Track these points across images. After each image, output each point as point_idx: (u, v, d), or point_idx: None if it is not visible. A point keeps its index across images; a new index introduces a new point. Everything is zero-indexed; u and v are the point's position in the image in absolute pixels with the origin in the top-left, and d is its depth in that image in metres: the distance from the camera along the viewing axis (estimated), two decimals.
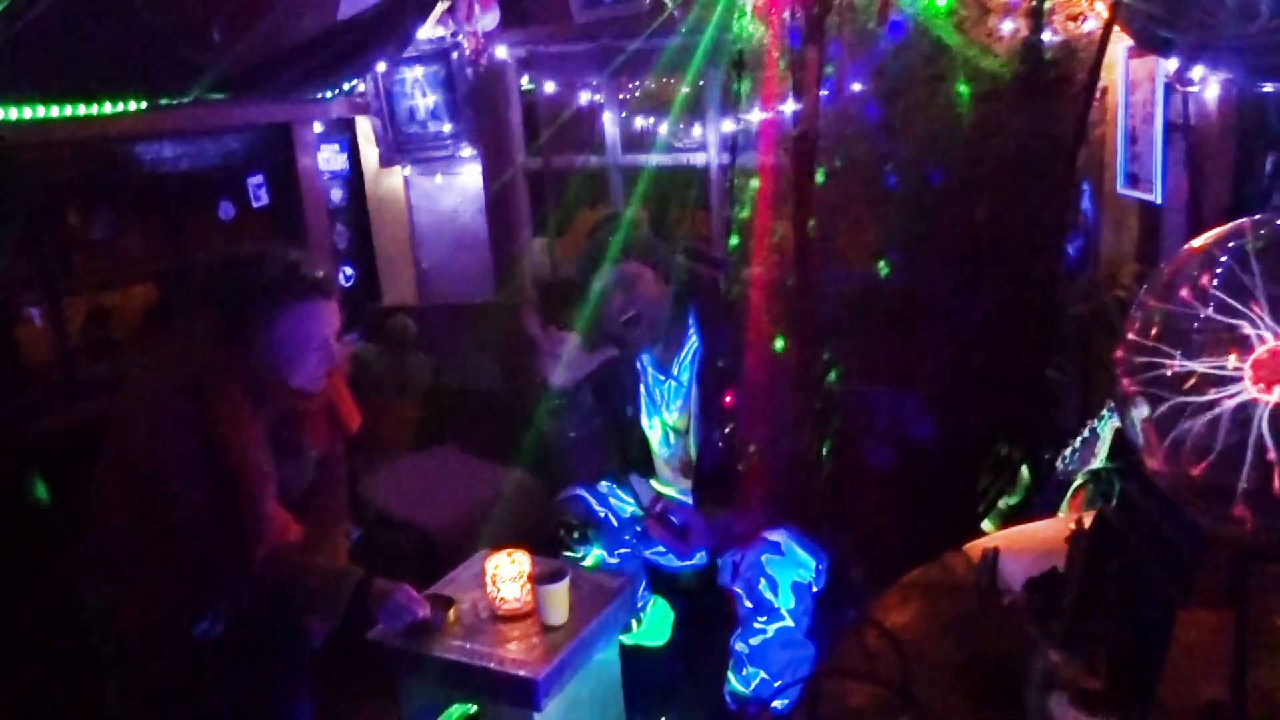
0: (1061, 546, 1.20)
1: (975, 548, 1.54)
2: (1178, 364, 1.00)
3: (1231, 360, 0.96)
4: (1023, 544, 1.42)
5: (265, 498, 2.13)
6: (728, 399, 2.49)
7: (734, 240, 2.21)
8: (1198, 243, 1.09)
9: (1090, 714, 1.03)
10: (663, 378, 2.66)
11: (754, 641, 2.39)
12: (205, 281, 2.29)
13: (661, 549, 2.66)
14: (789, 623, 2.37)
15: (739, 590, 2.43)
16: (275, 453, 2.23)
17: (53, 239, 3.12)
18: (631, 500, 2.75)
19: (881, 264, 2.15)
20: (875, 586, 1.62)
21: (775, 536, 2.42)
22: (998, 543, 1.40)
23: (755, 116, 2.08)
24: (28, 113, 2.80)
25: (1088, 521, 1.25)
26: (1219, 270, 0.99)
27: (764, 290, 2.26)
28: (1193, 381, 0.99)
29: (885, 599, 1.48)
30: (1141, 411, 1.06)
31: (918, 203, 2.10)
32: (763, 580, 2.38)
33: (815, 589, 2.44)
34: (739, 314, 2.39)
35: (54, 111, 2.87)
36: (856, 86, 2.06)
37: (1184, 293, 1.03)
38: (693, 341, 2.61)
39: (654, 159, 3.74)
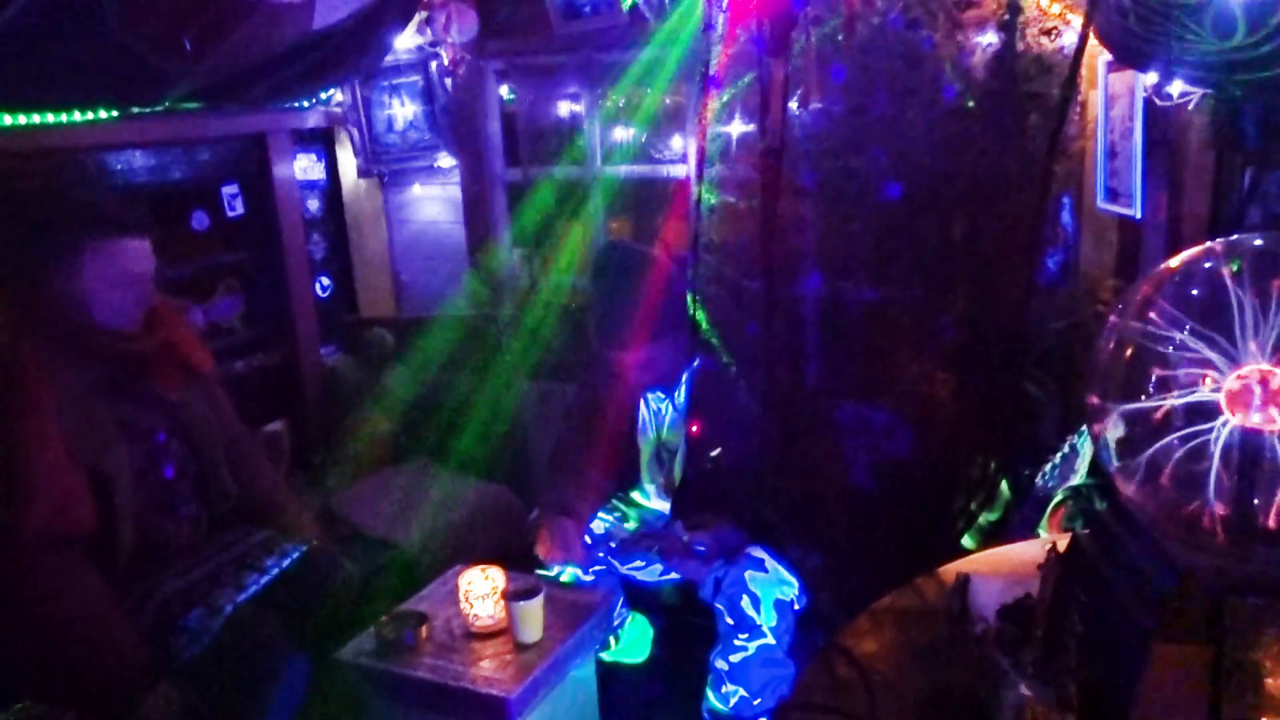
0: (1030, 573, 1.17)
1: (949, 571, 1.51)
2: (1150, 386, 0.98)
3: (1206, 385, 0.94)
4: (997, 567, 1.39)
5: (50, 459, 2.07)
6: (694, 428, 2.49)
7: (702, 255, 2.19)
8: (1173, 263, 1.07)
9: None
10: (662, 396, 2.64)
11: (734, 659, 2.36)
12: (9, 232, 2.27)
13: (640, 564, 2.63)
14: (770, 640, 2.35)
15: (720, 606, 2.41)
16: (132, 405, 2.26)
17: (20, 251, 3.06)
18: (611, 517, 2.72)
19: (851, 280, 2.14)
20: (846, 612, 1.59)
21: (759, 553, 2.40)
22: (973, 566, 1.37)
23: (728, 129, 2.07)
24: (4, 119, 2.76)
25: (1062, 545, 1.22)
26: (1192, 292, 0.97)
27: (730, 307, 2.24)
28: (1165, 405, 0.97)
29: (856, 625, 1.45)
30: (1114, 434, 1.03)
31: (888, 218, 2.09)
32: (745, 597, 2.36)
33: (798, 607, 2.41)
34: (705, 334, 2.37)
35: (21, 120, 2.82)
36: (818, 104, 2.04)
37: (1156, 314, 1.01)
38: (695, 363, 2.60)
39: (634, 170, 3.72)
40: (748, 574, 2.37)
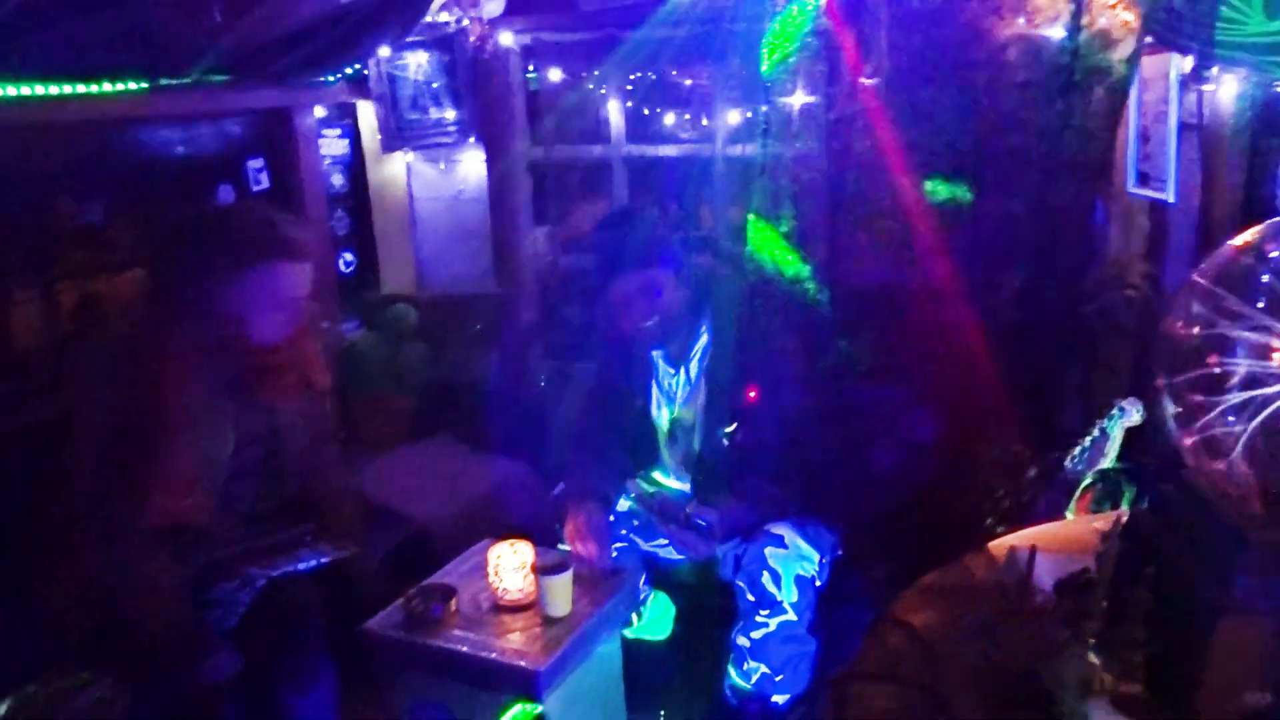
0: (1084, 547, 1.18)
1: (999, 547, 1.51)
2: (1219, 361, 0.98)
3: (1276, 360, 0.94)
4: (1044, 544, 1.40)
5: (183, 445, 2.16)
6: (751, 394, 2.48)
7: (752, 232, 2.17)
8: (1240, 240, 1.06)
9: (1134, 719, 1.01)
10: (673, 371, 2.65)
11: (755, 635, 2.37)
12: (174, 240, 2.31)
13: (663, 541, 2.64)
14: (791, 616, 2.35)
15: (741, 584, 2.42)
16: (243, 408, 2.31)
17: (46, 223, 3.07)
18: (631, 496, 2.73)
19: (909, 258, 2.12)
20: (891, 587, 1.59)
21: (779, 530, 2.41)
22: (1022, 543, 1.38)
23: (789, 100, 2.04)
24: (26, 90, 2.76)
25: (1104, 522, 1.23)
26: (1267, 267, 0.96)
27: (782, 285, 2.23)
28: (1235, 379, 0.97)
29: (904, 600, 1.46)
30: (1179, 408, 1.04)
31: (949, 194, 2.07)
32: (765, 573, 2.36)
33: (819, 583, 2.42)
34: (756, 309, 2.37)
35: (53, 90, 2.82)
36: (872, 80, 2.02)
37: (1228, 290, 1.00)
38: (704, 337, 2.60)
39: (659, 150, 3.71)
40: (767, 550, 2.38)
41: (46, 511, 2.25)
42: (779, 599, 2.35)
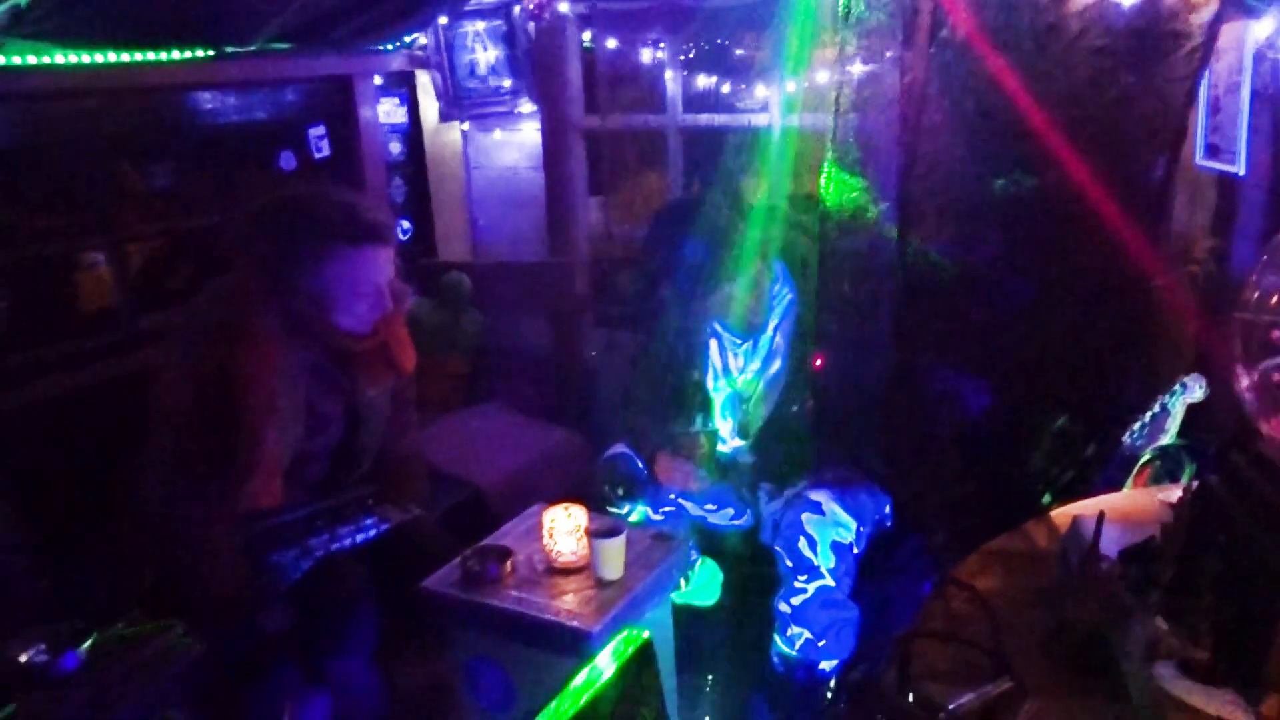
0: (1148, 517, 1.18)
1: (1061, 516, 1.51)
2: None
3: None
4: (1109, 514, 1.39)
5: (266, 431, 2.18)
6: (817, 362, 2.48)
7: (831, 199, 2.15)
8: None
9: (1201, 684, 1.01)
10: (739, 341, 2.64)
11: (795, 601, 2.40)
12: (257, 222, 2.32)
13: (713, 507, 2.66)
14: (829, 582, 2.37)
15: (780, 549, 2.45)
16: (322, 391, 2.32)
17: (113, 186, 3.16)
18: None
19: (979, 228, 2.09)
20: (950, 554, 1.60)
21: (817, 496, 2.42)
22: (1085, 512, 1.38)
23: (858, 68, 2.01)
24: (99, 58, 2.83)
25: (1170, 494, 1.22)
26: None
27: (858, 252, 2.22)
28: None
29: (968, 564, 1.47)
30: (1253, 380, 1.03)
31: (1016, 164, 2.03)
32: (802, 539, 2.38)
33: (856, 550, 2.43)
34: (836, 276, 2.35)
35: (123, 57, 2.89)
36: (945, 46, 1.98)
37: None
38: (784, 300, 2.59)
39: (715, 119, 3.69)
40: (804, 516, 2.39)
41: (119, 468, 2.33)
42: (816, 564, 2.37)
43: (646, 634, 1.11)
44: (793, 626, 2.41)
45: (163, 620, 1.97)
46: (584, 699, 0.97)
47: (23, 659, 1.78)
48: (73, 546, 2.46)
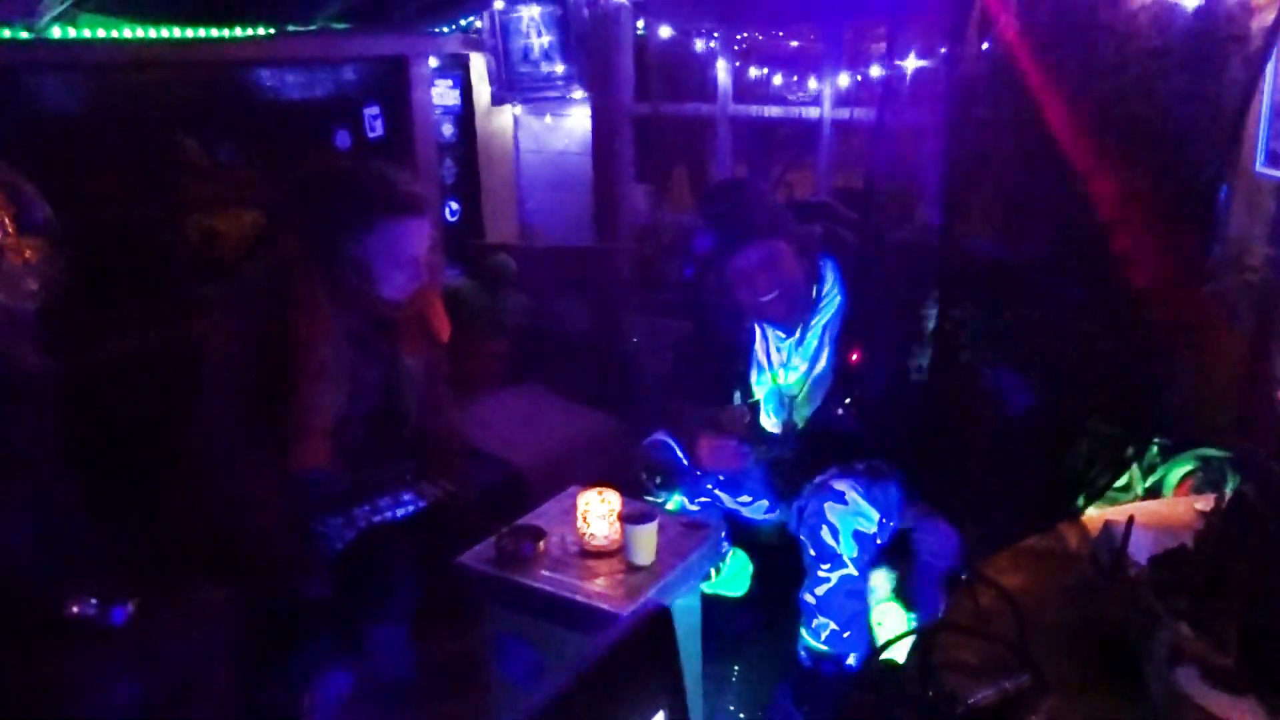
0: (1180, 525, 1.17)
1: (1093, 520, 1.51)
2: None
3: None
4: (1141, 520, 1.39)
5: (316, 393, 2.27)
6: (854, 357, 2.47)
7: (875, 194, 2.14)
8: None
9: (1225, 690, 1.01)
10: (784, 336, 2.65)
11: (819, 591, 2.40)
12: (301, 194, 2.40)
13: (747, 498, 2.67)
14: (851, 571, 2.37)
15: (803, 537, 2.45)
16: (363, 357, 2.40)
17: (175, 158, 3.23)
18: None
19: (1026, 229, 2.07)
20: (982, 550, 1.60)
21: (840, 485, 2.41)
22: (1119, 517, 1.38)
23: (907, 64, 2.00)
24: (164, 33, 2.90)
25: (1205, 502, 1.22)
26: None
27: (905, 251, 2.21)
28: None
29: (995, 561, 1.47)
30: None
31: (1064, 164, 2.01)
32: (824, 527, 2.38)
33: (879, 541, 2.43)
34: (882, 274, 2.34)
35: (187, 34, 2.96)
36: (996, 43, 1.96)
37: None
38: (834, 300, 2.58)
39: (765, 110, 3.68)
40: (827, 505, 2.39)
41: (174, 432, 2.40)
42: (838, 552, 2.37)
43: (665, 603, 1.14)
44: (818, 617, 2.41)
45: (210, 580, 2.04)
46: (595, 663, 0.99)
47: (75, 611, 1.85)
48: (127, 506, 2.54)
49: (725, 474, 2.62)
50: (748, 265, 2.47)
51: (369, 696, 2.45)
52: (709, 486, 2.69)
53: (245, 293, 2.36)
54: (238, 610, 2.22)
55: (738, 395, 2.68)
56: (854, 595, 2.40)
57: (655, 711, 1.09)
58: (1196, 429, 2.38)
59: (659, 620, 1.10)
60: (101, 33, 2.75)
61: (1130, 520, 1.19)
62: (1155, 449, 2.36)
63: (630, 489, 2.60)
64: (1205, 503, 1.24)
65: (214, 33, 3.03)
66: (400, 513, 2.51)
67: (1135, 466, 2.37)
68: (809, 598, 2.43)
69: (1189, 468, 2.15)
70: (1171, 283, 2.00)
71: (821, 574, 2.40)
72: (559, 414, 3.82)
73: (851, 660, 2.41)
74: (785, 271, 2.48)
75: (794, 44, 3.67)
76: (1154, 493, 2.24)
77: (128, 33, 2.80)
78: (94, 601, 1.87)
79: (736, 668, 2.72)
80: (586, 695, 0.98)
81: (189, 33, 2.96)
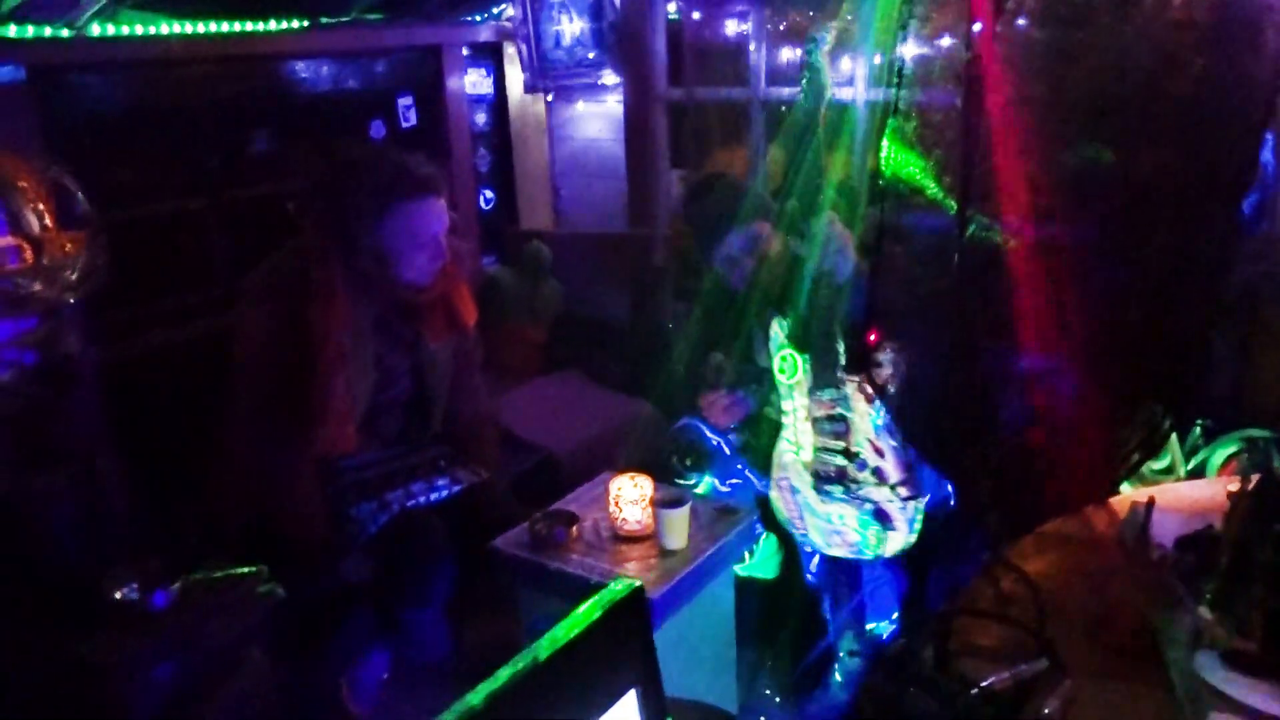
0: (1211, 507, 1.14)
1: (1121, 502, 1.48)
2: None
3: None
4: (1171, 502, 1.36)
5: (339, 381, 2.29)
6: (871, 337, 2.46)
7: (891, 174, 2.12)
8: None
9: (1244, 674, 0.99)
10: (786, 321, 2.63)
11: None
12: (318, 183, 2.44)
13: None
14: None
15: None
16: (389, 344, 2.42)
17: (215, 150, 3.28)
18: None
19: (1047, 210, 2.02)
20: (1007, 534, 1.58)
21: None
22: (1147, 500, 1.35)
23: (922, 42, 1.96)
24: (201, 28, 2.94)
25: (1237, 483, 1.19)
26: None
27: (918, 228, 2.18)
28: None
29: (1020, 546, 1.45)
30: None
31: (1088, 142, 1.96)
32: None
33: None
34: (895, 252, 2.32)
35: (224, 27, 3.00)
36: (1018, 20, 1.92)
37: None
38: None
39: (799, 93, 3.64)
40: None
41: (212, 420, 2.45)
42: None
43: (639, 582, 1.12)
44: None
45: (249, 565, 2.08)
46: (559, 644, 0.98)
47: (117, 595, 1.89)
48: (168, 493, 2.60)
49: (735, 425, 2.60)
50: (729, 253, 2.51)
51: (406, 679, 2.48)
52: (740, 467, 2.69)
53: (269, 283, 2.39)
54: (276, 595, 2.26)
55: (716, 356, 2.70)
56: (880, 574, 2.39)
57: (625, 690, 1.08)
58: (1244, 411, 2.32)
59: (630, 597, 1.08)
60: (140, 29, 2.79)
61: (1151, 502, 1.17)
62: (1199, 430, 2.32)
63: (666, 474, 2.60)
64: (1237, 483, 1.21)
65: (250, 26, 3.07)
66: (434, 497, 2.54)
67: (1178, 448, 2.33)
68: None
69: (1233, 449, 2.10)
70: (1204, 262, 1.94)
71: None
72: (595, 401, 3.83)
73: (870, 629, 2.41)
74: (766, 247, 2.49)
75: (828, 25, 3.61)
76: (1197, 475, 2.20)
77: (165, 28, 2.85)
78: (135, 586, 1.91)
79: (770, 650, 2.71)
80: (549, 675, 0.97)
81: (225, 27, 3.00)
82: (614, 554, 2.26)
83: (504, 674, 0.93)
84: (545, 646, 0.98)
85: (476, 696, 0.90)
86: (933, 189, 2.09)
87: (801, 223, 2.49)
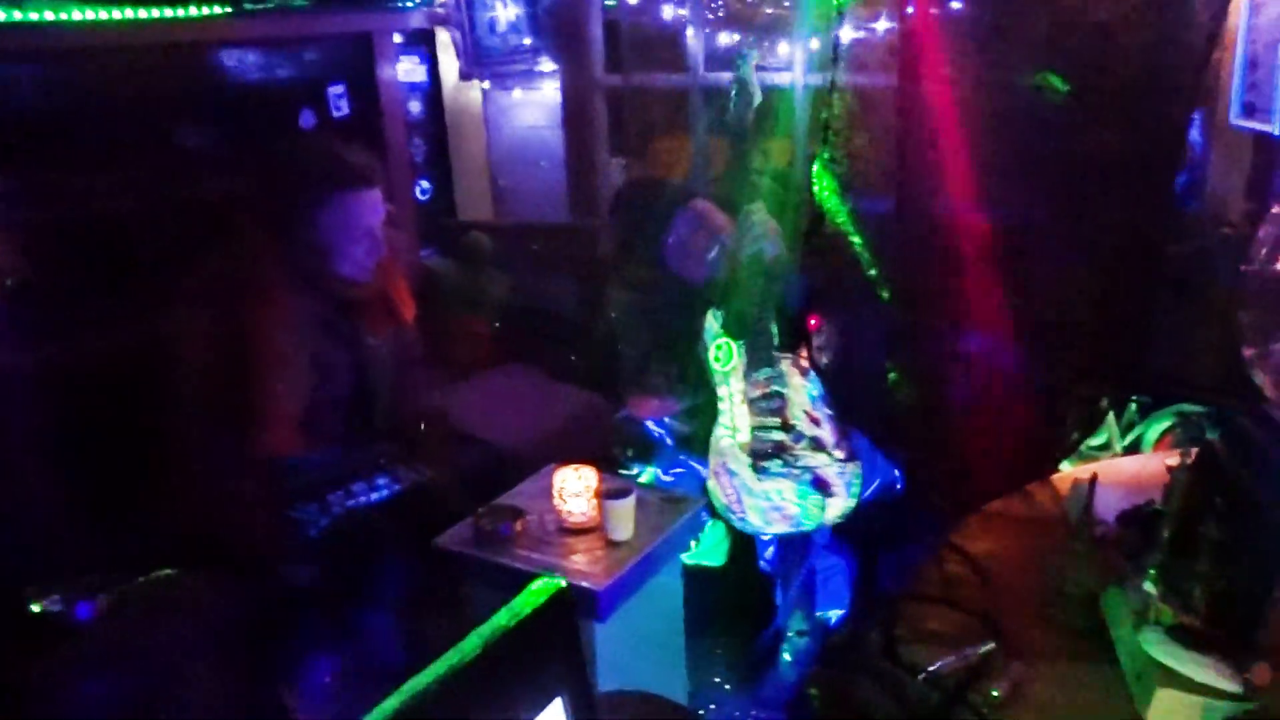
0: (1152, 481, 1.15)
1: (1063, 479, 1.49)
2: None
3: None
4: (1112, 477, 1.37)
5: (278, 381, 2.25)
6: (812, 322, 2.48)
7: (826, 156, 2.12)
8: None
9: (1189, 650, 0.99)
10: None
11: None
12: (249, 178, 2.43)
13: None
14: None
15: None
16: (328, 341, 2.38)
17: (136, 145, 3.16)
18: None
19: (990, 190, 2.03)
20: (953, 515, 1.59)
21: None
22: (1088, 475, 1.36)
23: (856, 23, 1.96)
24: (116, 14, 2.83)
25: (1176, 457, 1.19)
26: None
27: (855, 209, 2.18)
28: None
29: (966, 527, 1.46)
30: (1257, 340, 0.99)
31: (1027, 120, 1.96)
32: None
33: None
34: (831, 233, 2.34)
35: (141, 14, 2.89)
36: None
37: None
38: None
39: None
40: None
41: (150, 426, 2.37)
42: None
43: (563, 582, 1.08)
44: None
45: (191, 572, 2.02)
46: (479, 648, 0.94)
47: (36, 609, 1.82)
48: (107, 502, 2.51)
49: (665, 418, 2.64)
50: (678, 239, 2.54)
51: (355, 683, 2.43)
52: (682, 457, 2.69)
53: (204, 284, 2.33)
54: (219, 602, 2.20)
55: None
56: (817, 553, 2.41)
57: (552, 698, 1.04)
58: (1180, 386, 2.36)
59: (556, 598, 1.05)
60: (50, 15, 2.67)
61: (1094, 478, 1.17)
62: (1134, 406, 2.35)
63: (608, 465, 2.58)
64: (1176, 457, 1.22)
65: (169, 12, 2.96)
66: (374, 497, 2.48)
67: (1115, 424, 2.36)
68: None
69: (1167, 424, 2.14)
70: (1148, 239, 1.96)
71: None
72: (543, 393, 3.78)
73: (821, 615, 2.43)
74: (716, 222, 2.52)
75: (766, 10, 3.61)
76: (1133, 450, 2.23)
77: (78, 14, 2.72)
78: (57, 598, 1.84)
79: (718, 638, 2.71)
80: (466, 684, 0.93)
81: (143, 13, 2.88)
82: (560, 547, 2.24)
83: (412, 685, 0.89)
84: (456, 654, 0.94)
85: (393, 701, 0.86)
86: (868, 171, 2.09)
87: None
